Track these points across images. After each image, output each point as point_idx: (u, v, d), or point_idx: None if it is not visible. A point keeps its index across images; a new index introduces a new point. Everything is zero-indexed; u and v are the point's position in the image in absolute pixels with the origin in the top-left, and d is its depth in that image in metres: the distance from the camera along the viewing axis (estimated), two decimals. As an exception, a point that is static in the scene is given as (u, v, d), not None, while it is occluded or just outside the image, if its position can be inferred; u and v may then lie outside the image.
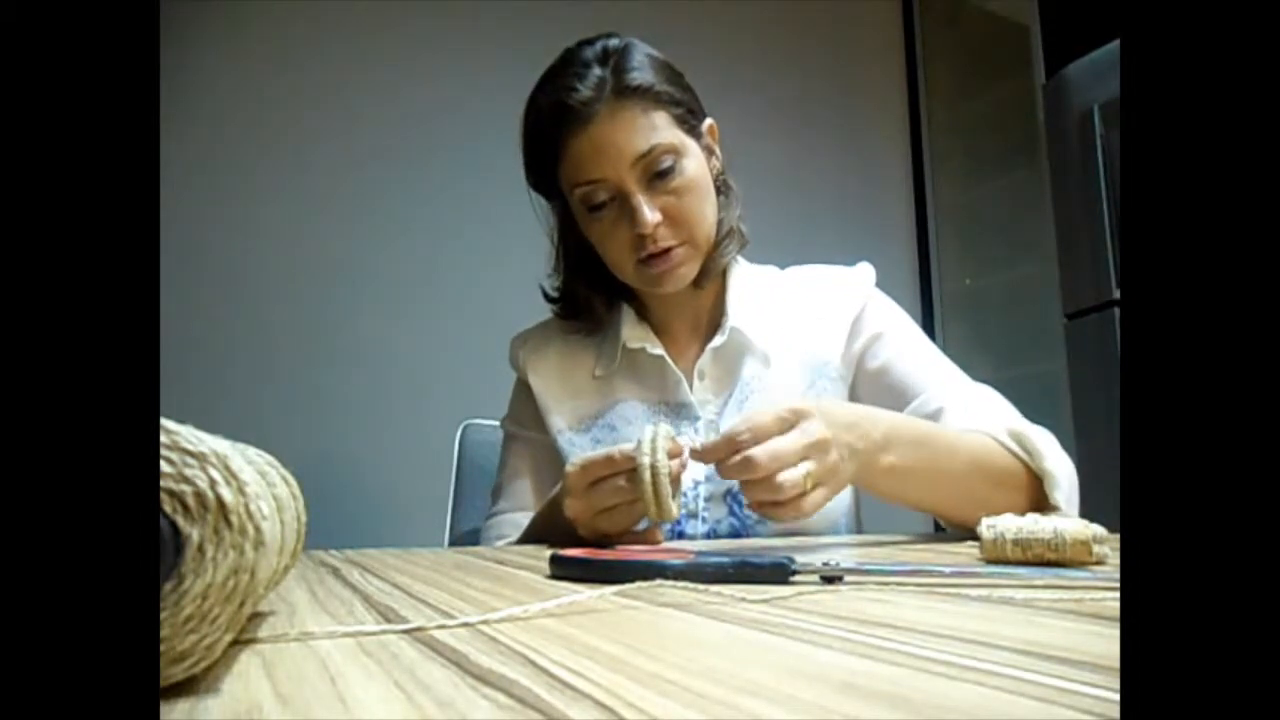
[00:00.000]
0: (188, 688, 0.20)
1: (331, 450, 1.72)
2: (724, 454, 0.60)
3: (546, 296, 0.97)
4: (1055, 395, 2.11)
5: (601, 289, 0.93)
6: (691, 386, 0.90)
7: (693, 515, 0.85)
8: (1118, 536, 0.48)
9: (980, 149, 2.64)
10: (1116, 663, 0.21)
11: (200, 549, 0.20)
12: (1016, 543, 0.48)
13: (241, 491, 0.21)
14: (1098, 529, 0.47)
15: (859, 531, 0.93)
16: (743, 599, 0.33)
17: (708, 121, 0.89)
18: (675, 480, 0.61)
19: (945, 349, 0.90)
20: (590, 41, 0.84)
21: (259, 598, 0.24)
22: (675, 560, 0.40)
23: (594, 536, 0.66)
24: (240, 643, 0.26)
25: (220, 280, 1.68)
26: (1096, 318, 1.97)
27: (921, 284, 2.66)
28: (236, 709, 0.19)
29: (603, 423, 0.92)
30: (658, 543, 0.69)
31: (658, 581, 0.37)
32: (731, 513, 0.85)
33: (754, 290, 0.94)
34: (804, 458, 0.59)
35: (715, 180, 0.89)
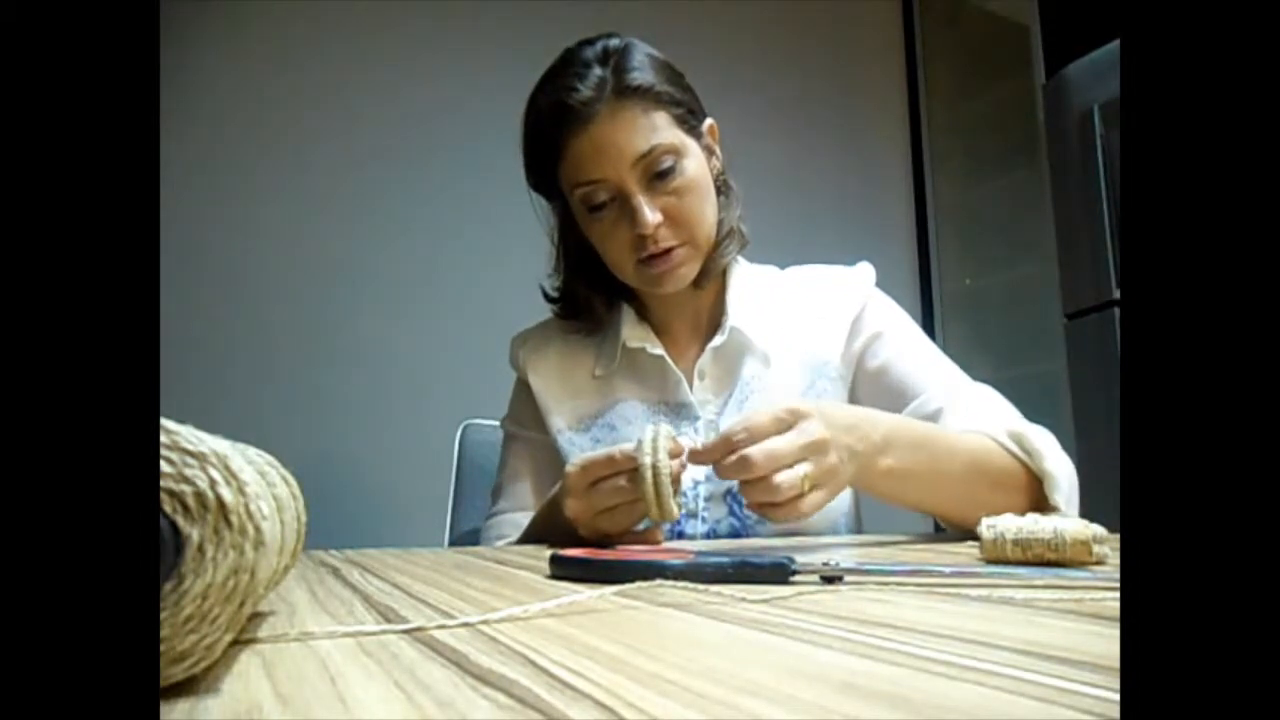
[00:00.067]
0: (188, 688, 0.20)
1: (331, 450, 1.72)
2: (720, 454, 0.60)
3: (546, 296, 0.97)
4: (1055, 395, 2.11)
5: (601, 289, 0.93)
6: (691, 386, 0.90)
7: (692, 515, 0.85)
8: (1118, 536, 0.48)
9: (980, 149, 2.64)
10: (1116, 663, 0.21)
11: (200, 549, 0.20)
12: (1016, 543, 0.48)
13: (241, 491, 0.21)
14: (1098, 529, 0.47)
15: (859, 531, 0.93)
16: (743, 599, 0.33)
17: (708, 121, 0.89)
18: (676, 480, 0.61)
19: (945, 349, 0.90)
20: (590, 41, 0.84)
21: (259, 598, 0.24)
22: (675, 560, 0.40)
23: (594, 536, 0.66)
24: (240, 643, 0.26)
25: (220, 280, 1.68)
26: (1096, 318, 1.97)
27: (921, 284, 2.66)
28: (236, 709, 0.19)
29: (602, 422, 0.92)
30: (658, 543, 0.69)
31: (658, 581, 0.37)
32: (731, 512, 0.85)
33: (754, 290, 0.94)
34: (801, 459, 0.59)
35: (715, 180, 0.89)
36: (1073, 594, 0.34)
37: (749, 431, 0.59)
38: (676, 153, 0.82)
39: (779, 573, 0.39)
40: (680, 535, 0.85)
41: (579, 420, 0.93)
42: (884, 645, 0.24)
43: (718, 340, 0.89)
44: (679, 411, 0.90)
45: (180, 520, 0.20)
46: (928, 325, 2.57)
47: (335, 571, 0.49)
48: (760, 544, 0.73)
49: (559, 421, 0.94)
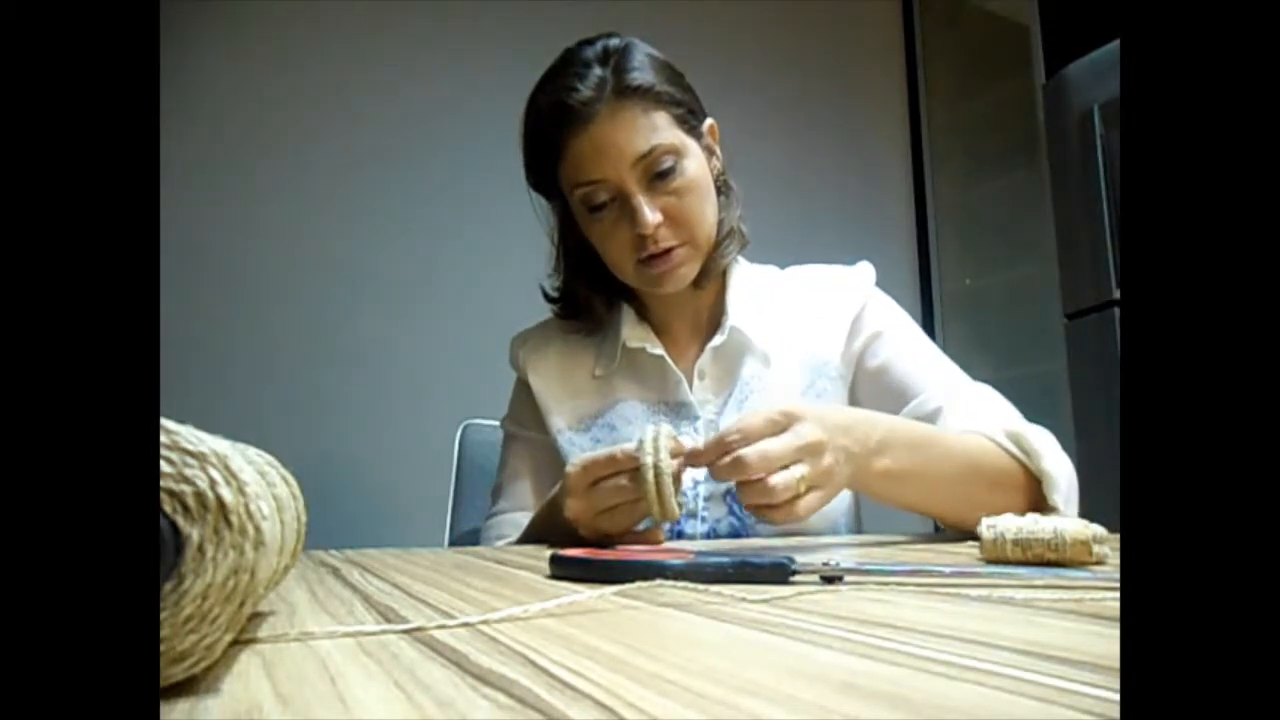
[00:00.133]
0: (188, 688, 0.20)
1: (331, 450, 1.72)
2: (714, 455, 0.60)
3: (546, 296, 0.97)
4: (1055, 395, 2.11)
5: (601, 289, 0.93)
6: (691, 386, 0.90)
7: (692, 515, 0.85)
8: (1118, 536, 0.48)
9: (980, 149, 2.64)
10: (1116, 663, 0.21)
11: (200, 549, 0.20)
12: (1016, 543, 0.48)
13: (241, 491, 0.21)
14: (1098, 529, 0.47)
15: (859, 531, 0.93)
16: (743, 599, 0.33)
17: (708, 122, 0.89)
18: (676, 480, 0.61)
19: (945, 349, 0.90)
20: (590, 41, 0.84)
21: (259, 598, 0.24)
22: (675, 560, 0.40)
23: (595, 537, 0.66)
24: (240, 643, 0.26)
25: (220, 280, 1.68)
26: (1096, 318, 1.97)
27: (921, 284, 2.66)
28: (236, 709, 0.19)
29: (602, 422, 0.92)
30: (660, 542, 0.69)
31: (658, 581, 0.37)
32: (731, 512, 0.85)
33: (754, 290, 0.94)
34: (796, 460, 0.59)
35: (715, 180, 0.89)
36: (1073, 594, 0.34)
37: (743, 433, 0.59)
38: (676, 153, 0.82)
39: (779, 573, 0.39)
40: (680, 535, 0.85)
41: (579, 420, 0.93)
42: (884, 645, 0.24)
43: (717, 340, 0.89)
44: (679, 411, 0.90)
45: (180, 520, 0.20)
46: (928, 325, 2.57)
47: (335, 571, 0.49)
48: (760, 544, 0.73)
49: (559, 421, 0.94)
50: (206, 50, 1.71)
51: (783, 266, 1.00)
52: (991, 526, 0.49)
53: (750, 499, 0.59)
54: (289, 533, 0.29)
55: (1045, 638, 0.25)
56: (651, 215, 0.80)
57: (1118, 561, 0.44)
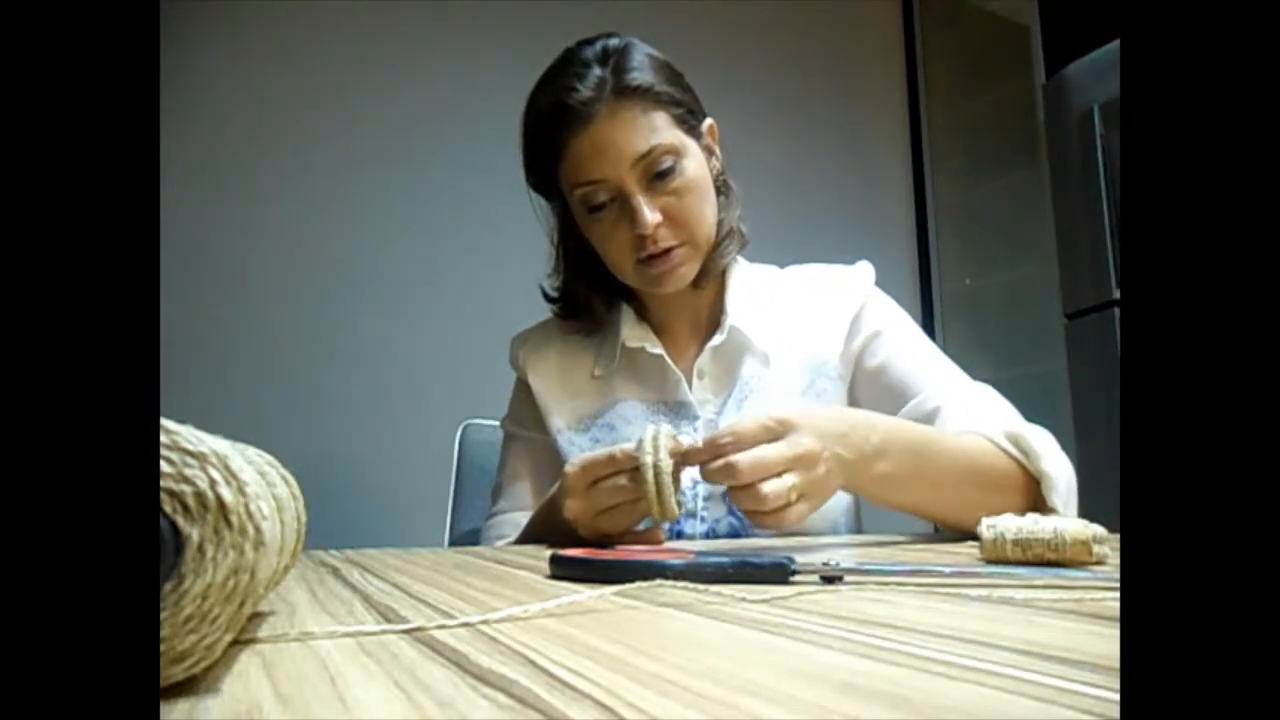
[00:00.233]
0: (188, 688, 0.20)
1: (331, 450, 1.72)
2: (707, 457, 0.60)
3: (546, 296, 0.97)
4: (1055, 395, 2.11)
5: (601, 289, 0.93)
6: (691, 386, 0.90)
7: (691, 515, 0.85)
8: (1118, 536, 0.48)
9: (980, 149, 2.64)
10: (1116, 663, 0.21)
11: (200, 549, 0.20)
12: (1016, 543, 0.48)
13: (241, 491, 0.21)
14: (1098, 529, 0.47)
15: (859, 531, 0.93)
16: (743, 599, 0.33)
17: (708, 122, 0.89)
18: (676, 480, 0.61)
19: (945, 349, 0.90)
20: (590, 41, 0.84)
21: (259, 598, 0.24)
22: (675, 560, 0.40)
23: (594, 537, 0.66)
24: (240, 643, 0.26)
25: (220, 280, 1.68)
26: (1096, 318, 1.97)
27: (921, 284, 2.66)
28: (236, 709, 0.19)
29: (602, 422, 0.92)
30: (660, 542, 0.69)
31: (658, 581, 0.37)
32: (730, 512, 0.85)
33: (753, 290, 0.94)
34: (789, 469, 0.59)
35: (715, 180, 0.89)
36: (1073, 594, 0.34)
37: (735, 436, 0.59)
38: (676, 153, 0.82)
39: (779, 573, 0.39)
40: (679, 535, 0.85)
41: (579, 420, 0.93)
42: (884, 645, 0.24)
43: (717, 340, 0.89)
44: (678, 411, 0.90)
45: (180, 520, 0.20)
46: (928, 325, 2.57)
47: (335, 571, 0.49)
48: (760, 544, 0.73)
49: (559, 422, 0.94)
50: (206, 50, 1.71)
51: (782, 266, 1.00)
52: (991, 527, 0.49)
53: (741, 504, 0.59)
54: (289, 533, 0.29)
55: (1045, 638, 0.25)
56: (651, 215, 0.80)
57: (1118, 561, 0.44)
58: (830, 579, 0.39)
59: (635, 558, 0.41)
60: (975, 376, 0.87)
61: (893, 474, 0.67)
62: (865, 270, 0.96)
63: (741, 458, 0.58)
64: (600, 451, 0.66)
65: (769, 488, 0.58)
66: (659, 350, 0.91)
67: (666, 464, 0.60)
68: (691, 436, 0.86)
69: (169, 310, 1.55)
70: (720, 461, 0.59)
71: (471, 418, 1.33)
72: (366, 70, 1.87)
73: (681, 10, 2.25)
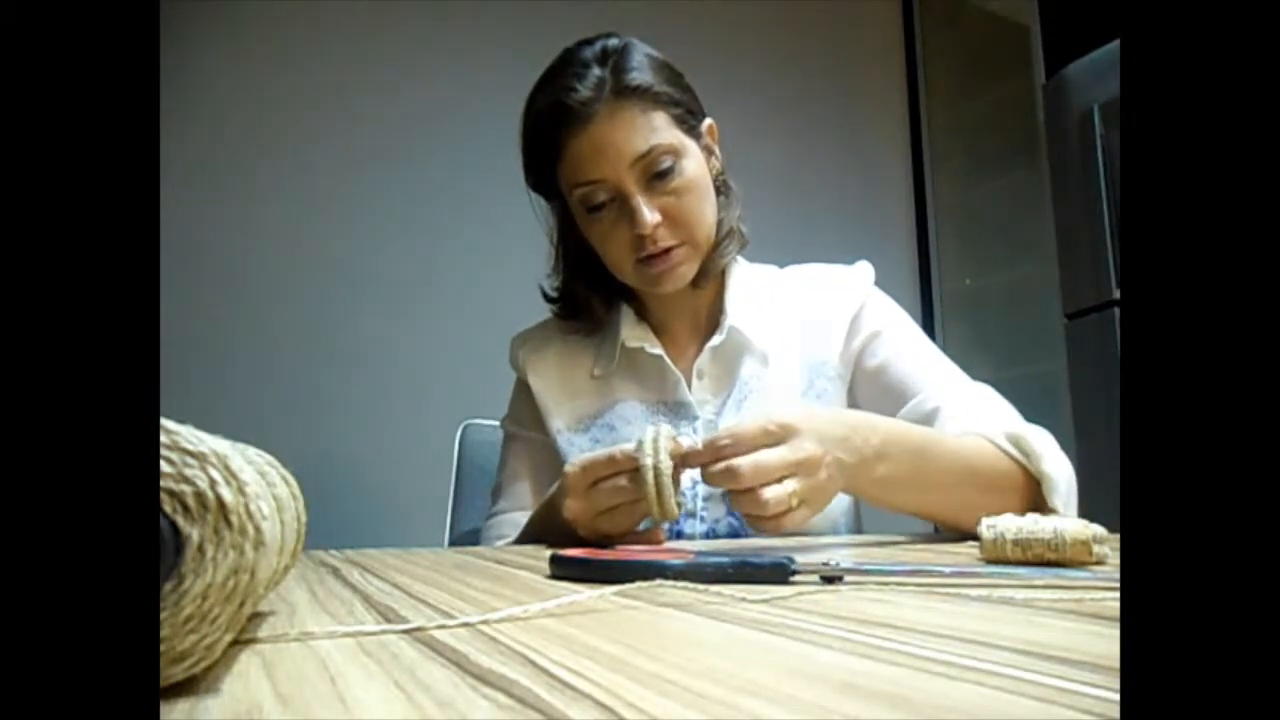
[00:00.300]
0: (188, 688, 0.20)
1: (331, 450, 1.72)
2: (706, 459, 0.60)
3: (546, 296, 0.97)
4: (1055, 395, 2.11)
5: (601, 289, 0.93)
6: (690, 386, 0.90)
7: (691, 515, 0.85)
8: (1118, 536, 0.48)
9: (980, 149, 2.64)
10: (1116, 663, 0.21)
11: (200, 549, 0.20)
12: (1016, 543, 0.48)
13: (241, 491, 0.21)
14: (1098, 529, 0.47)
15: (859, 531, 0.93)
16: (743, 599, 0.33)
17: (707, 121, 0.89)
18: (675, 481, 0.61)
19: (945, 349, 0.90)
20: (589, 41, 0.84)
21: (259, 598, 0.24)
22: (675, 560, 0.40)
23: (593, 537, 0.66)
24: (240, 643, 0.26)
25: (220, 280, 1.68)
26: (1096, 318, 1.97)
27: (921, 284, 2.66)
28: (236, 709, 0.19)
29: (602, 423, 0.92)
30: (661, 542, 0.69)
31: (658, 581, 0.37)
32: (730, 513, 0.85)
33: (753, 290, 0.94)
34: (790, 474, 0.59)
35: (715, 180, 0.89)
36: (1073, 594, 0.34)
37: (735, 439, 0.59)
38: (675, 153, 0.82)
39: (779, 573, 0.39)
40: (679, 535, 0.84)
41: (578, 421, 0.93)
42: (884, 645, 0.24)
43: (716, 340, 0.89)
44: (678, 411, 0.90)
45: (180, 520, 0.20)
46: (928, 325, 2.57)
47: (335, 571, 0.49)
48: (760, 544, 0.73)
49: (558, 422, 0.94)
50: (206, 50, 1.71)
51: (782, 266, 1.00)
52: (991, 527, 0.49)
53: (741, 508, 0.59)
54: (289, 533, 0.29)
55: (1045, 638, 0.25)
56: (650, 215, 0.80)
57: (1118, 561, 0.44)
58: (830, 579, 0.39)
59: (635, 558, 0.41)
60: (975, 376, 0.87)
61: (893, 476, 0.67)
62: (865, 270, 0.96)
63: (743, 461, 0.58)
64: (601, 452, 0.66)
65: (770, 493, 0.58)
66: (658, 350, 0.91)
67: (667, 466, 0.60)
68: (691, 438, 0.86)
69: (169, 310, 1.55)
70: (721, 465, 0.58)
71: (471, 418, 1.33)
72: (366, 70, 1.87)
73: (681, 10, 2.25)
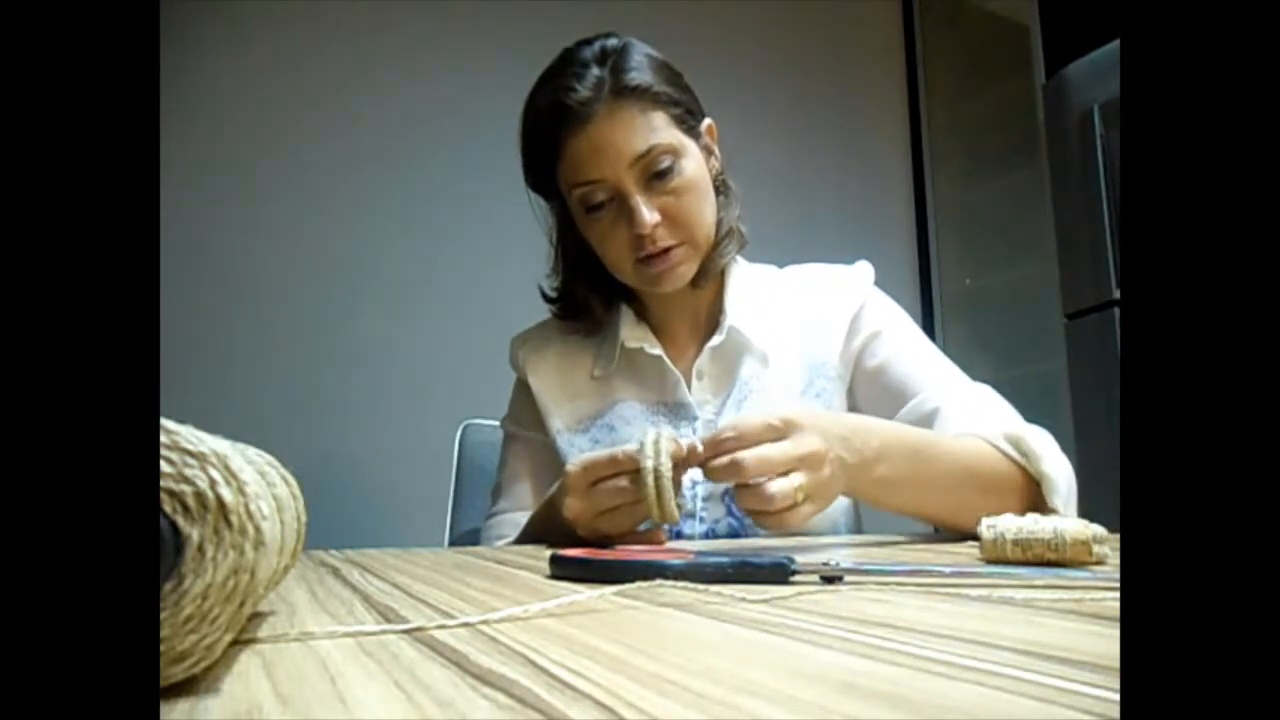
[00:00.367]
0: (188, 688, 0.20)
1: (331, 450, 1.72)
2: (709, 456, 0.59)
3: (545, 297, 0.97)
4: (1055, 395, 2.11)
5: (600, 289, 0.93)
6: (690, 386, 0.90)
7: (690, 515, 0.85)
8: (1118, 536, 0.48)
9: (980, 149, 2.64)
10: (1116, 663, 0.21)
11: (200, 549, 0.20)
12: (1016, 543, 0.48)
13: (241, 491, 0.21)
14: (1098, 529, 0.47)
15: (859, 532, 0.93)
16: (743, 599, 0.33)
17: (706, 121, 0.89)
18: (676, 483, 0.61)
19: (945, 349, 0.90)
20: (589, 41, 0.84)
21: (259, 598, 0.24)
22: (675, 560, 0.40)
23: (593, 537, 0.66)
24: (240, 643, 0.26)
25: (220, 280, 1.68)
26: (1096, 318, 1.97)
27: (921, 284, 2.66)
28: (236, 709, 0.19)
29: (601, 423, 0.92)
30: (661, 543, 0.69)
31: (658, 581, 0.37)
32: (729, 513, 0.85)
33: (753, 290, 0.94)
34: (794, 469, 0.59)
35: (714, 180, 0.89)
36: (1073, 594, 0.34)
37: (739, 433, 0.59)
38: (674, 153, 0.82)
39: (779, 573, 0.39)
40: (679, 535, 0.84)
41: (578, 421, 0.93)
42: (884, 645, 0.24)
43: (716, 340, 0.89)
44: (677, 411, 0.90)
45: (180, 520, 0.20)
46: (928, 325, 2.57)
47: (335, 571, 0.49)
48: (760, 544, 0.73)
49: (558, 422, 0.94)
50: (206, 50, 1.71)
51: (782, 266, 1.00)
52: (991, 527, 0.49)
53: (747, 504, 0.59)
54: (289, 533, 0.29)
55: (1045, 638, 0.25)
56: (649, 215, 0.80)
57: (1118, 561, 0.44)
58: (830, 579, 0.39)
59: (635, 558, 0.41)
60: (975, 376, 0.87)
61: (892, 478, 0.67)
62: (865, 270, 0.96)
63: (746, 455, 0.58)
64: (601, 452, 0.65)
65: (776, 487, 0.57)
66: (658, 351, 0.91)
67: (667, 468, 0.60)
68: (691, 438, 0.86)
69: (169, 310, 1.55)
70: (725, 458, 0.58)
71: (471, 418, 1.33)
72: (366, 70, 1.87)
73: (681, 10, 2.25)
